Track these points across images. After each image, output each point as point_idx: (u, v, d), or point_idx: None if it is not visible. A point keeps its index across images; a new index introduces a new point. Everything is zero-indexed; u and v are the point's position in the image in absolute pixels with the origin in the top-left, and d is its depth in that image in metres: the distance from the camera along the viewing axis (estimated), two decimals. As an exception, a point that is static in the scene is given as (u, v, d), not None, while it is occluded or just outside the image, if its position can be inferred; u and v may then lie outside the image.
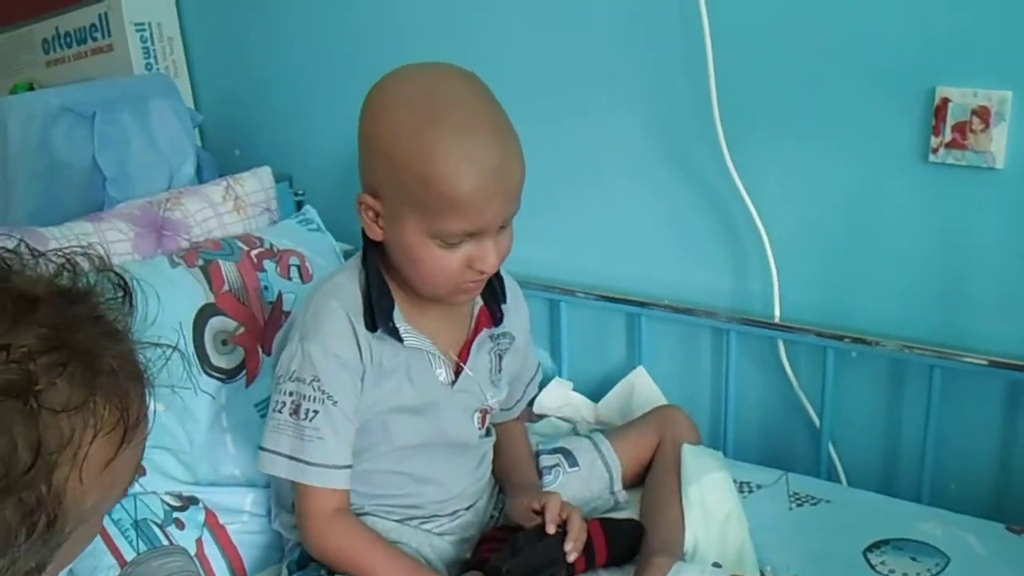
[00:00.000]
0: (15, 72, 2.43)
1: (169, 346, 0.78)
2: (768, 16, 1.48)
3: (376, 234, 1.16)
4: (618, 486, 1.40)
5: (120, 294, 0.75)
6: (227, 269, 1.48)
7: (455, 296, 1.18)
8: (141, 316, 0.76)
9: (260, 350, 1.46)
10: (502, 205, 1.11)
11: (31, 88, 2.27)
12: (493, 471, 1.38)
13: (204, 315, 1.42)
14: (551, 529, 1.17)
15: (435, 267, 1.13)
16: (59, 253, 0.74)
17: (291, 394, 1.17)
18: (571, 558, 1.18)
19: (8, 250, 0.72)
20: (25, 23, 2.34)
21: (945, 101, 1.36)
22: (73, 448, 0.65)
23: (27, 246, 0.74)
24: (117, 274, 0.76)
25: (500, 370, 1.32)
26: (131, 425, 0.70)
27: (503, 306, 1.29)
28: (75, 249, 0.76)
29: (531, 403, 1.56)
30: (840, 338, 1.51)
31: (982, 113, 1.34)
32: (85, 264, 0.75)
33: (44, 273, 0.72)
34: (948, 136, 1.37)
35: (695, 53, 1.52)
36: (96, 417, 0.67)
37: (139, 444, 0.73)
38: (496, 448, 1.38)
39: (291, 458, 1.16)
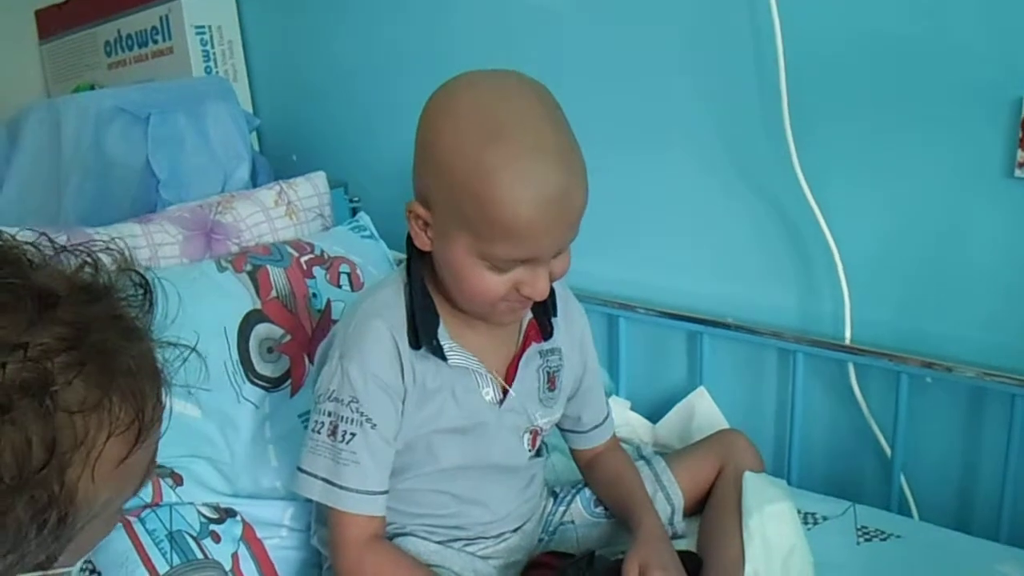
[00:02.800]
0: (78, 74, 2.45)
1: (187, 346, 0.76)
2: (842, 25, 1.40)
3: (424, 244, 1.10)
4: (678, 517, 1.33)
5: (141, 292, 0.74)
6: (275, 275, 1.44)
7: (497, 317, 1.12)
8: (161, 315, 0.75)
9: (306, 359, 1.41)
10: (561, 234, 1.04)
11: (92, 90, 2.27)
12: (610, 510, 1.32)
13: (250, 321, 1.38)
14: None
15: (480, 287, 1.06)
16: (81, 248, 0.73)
17: (329, 414, 1.12)
18: None
19: (30, 243, 0.71)
20: (89, 25, 2.36)
21: (1034, 112, 1.28)
22: (87, 447, 0.65)
23: (49, 239, 0.72)
24: (138, 273, 0.74)
25: (553, 388, 1.25)
26: (146, 425, 0.69)
27: (553, 319, 1.23)
28: (97, 244, 0.74)
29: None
30: (915, 363, 1.42)
31: (1075, 126, 1.25)
32: (107, 260, 0.74)
33: (66, 268, 0.71)
34: (1037, 150, 1.28)
35: (766, 60, 1.45)
36: (111, 417, 0.66)
37: (154, 442, 0.73)
38: (602, 484, 1.33)
39: (326, 481, 1.11)
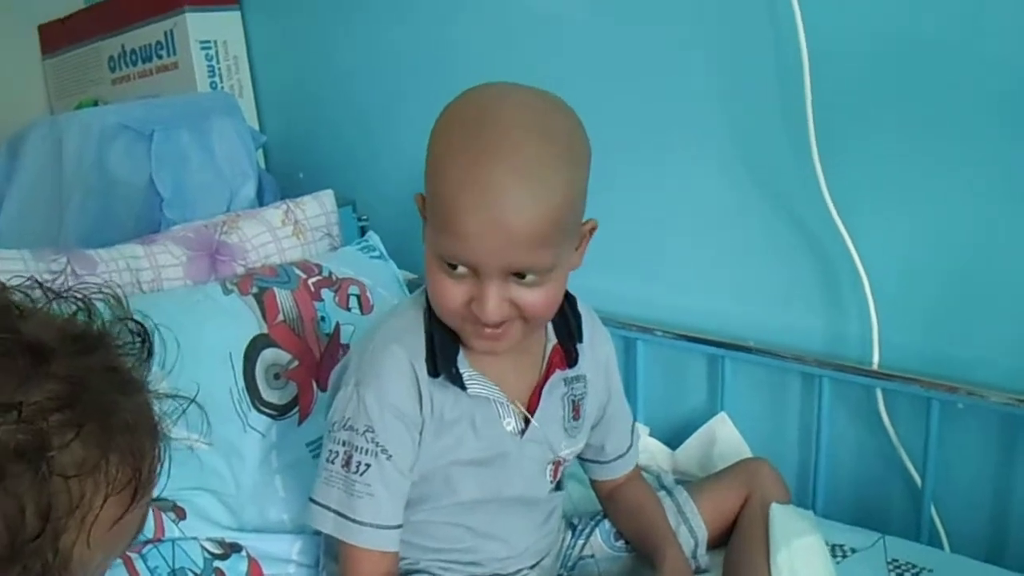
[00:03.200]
0: (82, 90, 2.42)
1: (186, 398, 0.73)
2: (871, 34, 1.35)
3: None
4: (702, 550, 1.28)
5: (138, 341, 0.70)
6: (282, 297, 1.39)
7: (469, 339, 1.06)
8: (158, 363, 0.72)
9: (315, 385, 1.37)
10: (499, 246, 0.95)
11: (95, 105, 2.24)
12: (632, 544, 1.27)
13: (256, 346, 1.33)
14: None
15: (436, 291, 1.02)
16: (73, 294, 0.69)
17: (344, 443, 1.07)
18: None
19: (19, 290, 0.68)
20: (92, 40, 2.32)
21: (1074, 130, 1.23)
22: (83, 511, 0.61)
23: (39, 284, 0.69)
24: (136, 321, 0.71)
25: (577, 417, 1.20)
26: (143, 483, 0.66)
27: (579, 345, 1.18)
28: (91, 287, 0.70)
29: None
30: (946, 388, 1.37)
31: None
32: (100, 305, 0.70)
33: (56, 317, 0.68)
34: (1077, 169, 1.23)
35: (790, 72, 1.40)
36: (108, 478, 0.63)
37: (150, 499, 0.69)
38: (623, 516, 1.28)
39: (338, 514, 1.06)
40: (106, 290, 0.71)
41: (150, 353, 0.71)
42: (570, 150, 0.99)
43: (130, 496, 0.64)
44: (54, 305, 0.68)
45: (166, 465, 0.69)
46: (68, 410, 0.61)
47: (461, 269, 0.99)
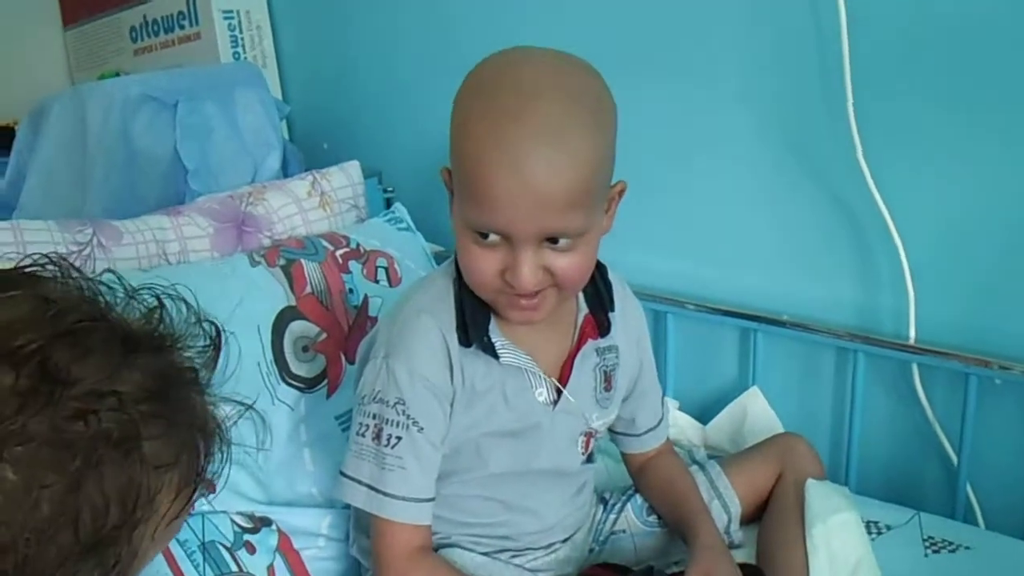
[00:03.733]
0: (103, 61, 2.40)
1: (246, 405, 0.73)
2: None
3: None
4: (735, 526, 1.26)
5: (208, 344, 0.70)
6: (310, 270, 1.38)
7: (503, 309, 1.04)
8: (221, 368, 0.71)
9: (343, 358, 1.35)
10: (533, 212, 0.93)
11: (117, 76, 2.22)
12: (664, 519, 1.26)
13: (284, 319, 1.32)
14: None
15: (468, 264, 1.00)
16: (148, 292, 0.69)
17: (374, 416, 1.05)
18: None
19: (102, 283, 0.67)
20: (114, 11, 2.30)
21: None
22: (155, 505, 0.62)
23: (118, 277, 0.69)
24: (212, 323, 0.71)
25: (609, 388, 1.18)
26: (202, 484, 0.66)
27: (611, 315, 1.15)
28: (158, 287, 0.70)
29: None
30: (984, 364, 1.34)
31: None
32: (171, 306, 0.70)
33: (133, 314, 0.68)
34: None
35: (827, 36, 1.37)
36: (180, 475, 0.63)
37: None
38: (655, 491, 1.27)
39: (371, 488, 1.04)
40: (172, 292, 0.70)
41: (217, 356, 0.70)
42: (598, 111, 0.97)
43: (189, 495, 0.64)
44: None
45: (227, 469, 0.69)
46: (156, 402, 0.60)
47: (493, 238, 0.96)
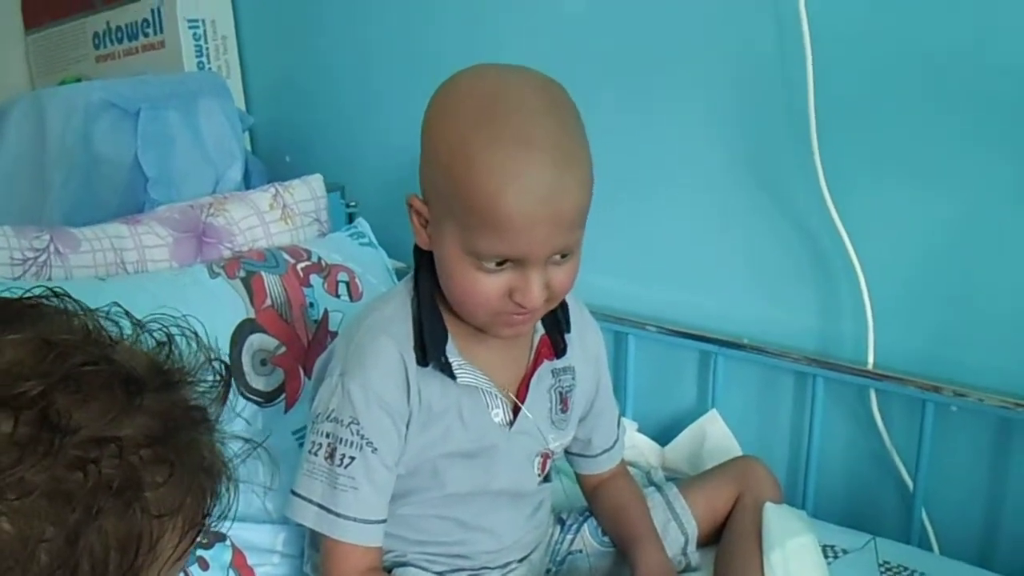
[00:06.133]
0: (65, 67, 2.37)
1: (255, 443, 0.72)
2: (874, 28, 1.33)
3: (424, 241, 1.03)
4: (692, 547, 1.26)
5: (217, 381, 0.68)
6: (270, 282, 1.37)
7: (496, 328, 1.04)
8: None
9: (302, 372, 1.34)
10: (549, 233, 0.94)
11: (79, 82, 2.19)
12: (613, 540, 1.25)
13: (243, 331, 1.30)
14: None
15: (469, 290, 0.99)
16: (156, 325, 0.67)
17: (327, 435, 1.04)
18: None
19: (107, 316, 0.65)
20: (77, 16, 2.28)
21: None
22: (158, 550, 0.60)
23: (128, 314, 0.66)
24: (221, 361, 0.69)
25: (565, 409, 1.18)
26: (208, 524, 0.65)
27: (567, 336, 1.15)
28: (168, 319, 0.68)
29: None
30: (942, 391, 1.35)
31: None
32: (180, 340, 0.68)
33: (140, 349, 0.65)
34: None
35: (791, 62, 1.38)
36: (184, 518, 0.61)
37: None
38: (605, 514, 1.26)
39: (321, 507, 1.03)
40: (183, 324, 0.68)
41: (226, 393, 0.69)
42: (580, 123, 0.99)
43: (194, 537, 0.63)
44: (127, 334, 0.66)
45: (234, 508, 0.68)
46: (159, 447, 0.59)
47: (504, 263, 0.97)
